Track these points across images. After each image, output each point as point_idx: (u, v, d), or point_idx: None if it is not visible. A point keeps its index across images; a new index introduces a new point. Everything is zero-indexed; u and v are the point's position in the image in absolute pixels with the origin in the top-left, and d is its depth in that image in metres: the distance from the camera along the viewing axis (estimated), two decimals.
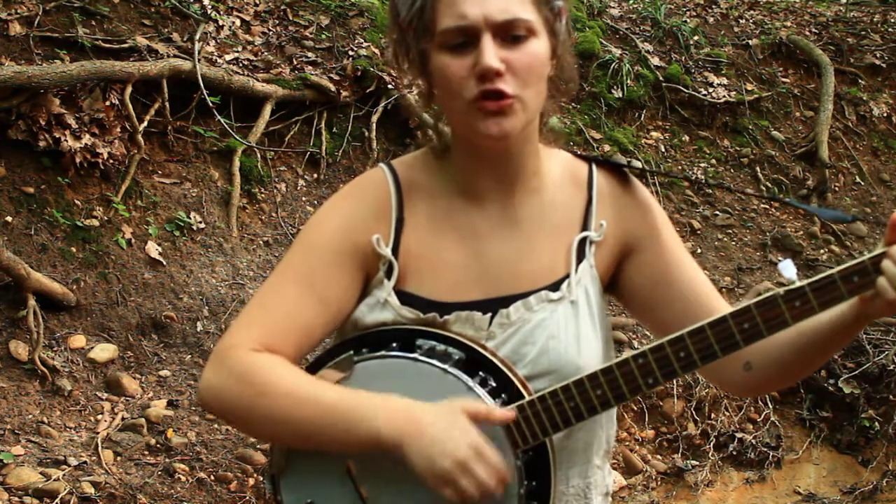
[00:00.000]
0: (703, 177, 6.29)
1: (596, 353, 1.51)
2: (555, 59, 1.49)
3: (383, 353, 1.46)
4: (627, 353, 1.39)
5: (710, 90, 6.74)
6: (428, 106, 1.55)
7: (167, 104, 4.75)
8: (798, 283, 1.33)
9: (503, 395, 1.42)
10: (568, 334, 1.48)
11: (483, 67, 1.38)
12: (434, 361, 1.42)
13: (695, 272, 1.57)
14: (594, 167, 1.60)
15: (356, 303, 1.53)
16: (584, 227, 1.55)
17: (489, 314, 1.49)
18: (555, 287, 1.50)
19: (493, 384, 1.42)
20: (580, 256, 1.53)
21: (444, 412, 1.37)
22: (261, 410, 1.42)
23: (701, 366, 1.38)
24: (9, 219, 4.19)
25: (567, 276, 1.51)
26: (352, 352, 1.47)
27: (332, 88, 5.25)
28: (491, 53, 1.39)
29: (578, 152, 1.66)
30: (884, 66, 7.45)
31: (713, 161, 6.44)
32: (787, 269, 1.36)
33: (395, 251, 1.51)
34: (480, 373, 1.43)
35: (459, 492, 1.34)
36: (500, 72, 1.39)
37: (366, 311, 1.51)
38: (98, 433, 3.70)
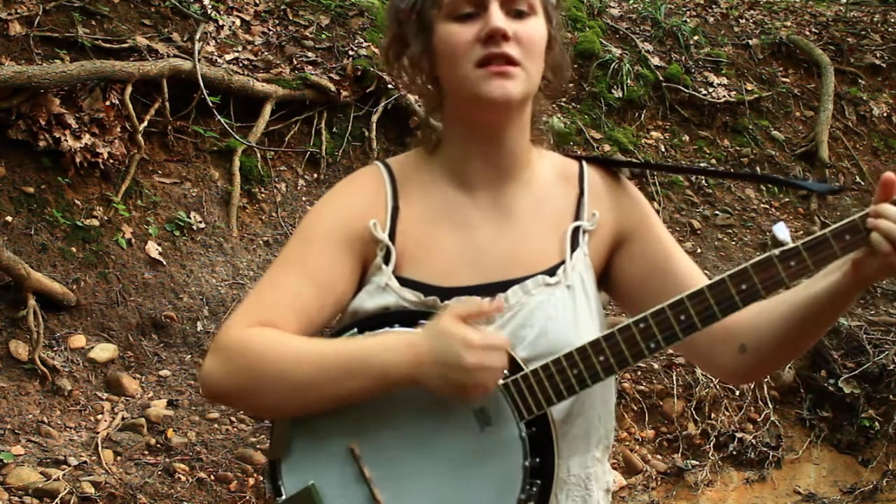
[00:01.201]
0: (701, 176, 6.29)
1: (594, 336, 1.51)
2: (550, 50, 1.53)
3: (386, 329, 1.47)
4: (628, 319, 1.41)
5: (710, 90, 6.74)
6: (425, 96, 1.58)
7: (167, 104, 4.75)
8: (792, 244, 1.36)
9: (505, 371, 1.43)
10: (566, 316, 1.50)
11: (492, 28, 1.43)
12: None
13: (687, 262, 1.60)
14: (584, 164, 1.64)
15: (355, 291, 1.54)
16: (577, 217, 1.58)
17: (488, 298, 1.50)
18: (551, 272, 1.53)
19: None
20: (574, 245, 1.55)
21: (435, 326, 1.40)
22: (263, 377, 1.43)
23: (701, 328, 1.39)
24: (9, 219, 4.19)
25: (562, 262, 1.54)
26: (355, 329, 1.48)
27: (332, 88, 5.25)
28: (500, 16, 1.44)
29: (568, 153, 1.69)
30: (884, 66, 7.45)
31: (713, 161, 6.44)
32: (781, 230, 1.40)
33: (391, 237, 1.53)
34: None
35: (482, 388, 1.38)
36: (507, 34, 1.44)
37: (366, 297, 1.52)
38: (98, 433, 3.70)
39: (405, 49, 1.55)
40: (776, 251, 1.37)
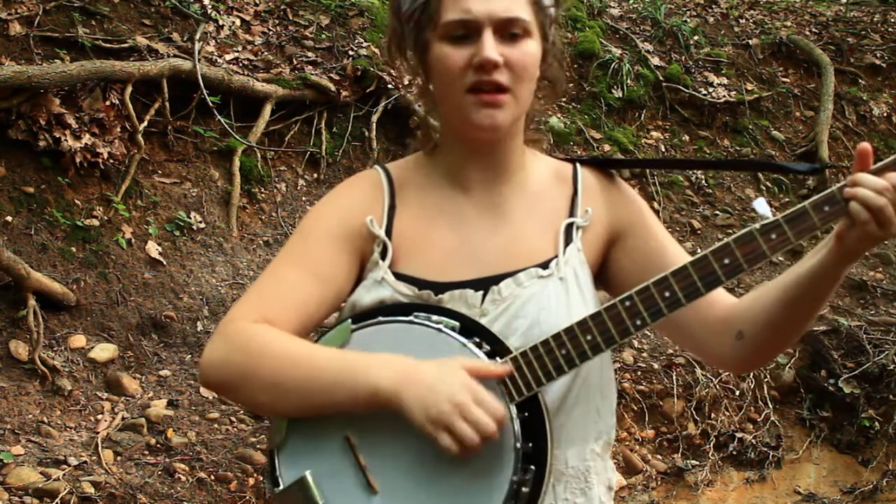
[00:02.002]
0: (701, 176, 6.29)
1: None
2: (544, 64, 1.57)
3: (380, 318, 1.49)
4: (614, 299, 1.43)
5: (710, 90, 6.75)
6: (424, 97, 1.62)
7: (167, 104, 4.75)
8: (772, 217, 1.39)
9: (497, 359, 1.44)
10: (559, 307, 1.51)
11: (483, 58, 1.46)
12: (429, 324, 1.46)
13: (683, 257, 1.61)
14: (578, 165, 1.67)
15: (353, 285, 1.58)
16: (571, 215, 1.61)
17: (481, 292, 1.53)
18: (544, 266, 1.55)
19: (488, 348, 1.45)
20: (567, 241, 1.58)
21: (440, 363, 1.40)
22: (259, 375, 1.45)
23: (686, 303, 1.41)
24: (9, 219, 4.19)
25: (555, 256, 1.56)
26: (350, 320, 1.51)
27: (332, 88, 5.25)
28: (491, 46, 1.46)
29: (563, 156, 1.71)
30: (884, 66, 7.45)
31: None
32: (761, 205, 1.43)
33: (388, 234, 1.57)
34: (475, 338, 1.46)
35: (457, 435, 1.35)
36: (498, 64, 1.46)
37: (363, 292, 1.55)
38: (98, 433, 3.70)
39: (403, 46, 1.59)
40: (757, 225, 1.40)
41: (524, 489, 1.41)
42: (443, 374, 1.38)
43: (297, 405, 1.46)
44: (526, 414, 1.42)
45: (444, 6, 1.48)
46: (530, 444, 1.42)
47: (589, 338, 1.41)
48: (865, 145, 1.39)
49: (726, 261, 1.40)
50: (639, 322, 1.41)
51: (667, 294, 1.40)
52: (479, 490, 1.41)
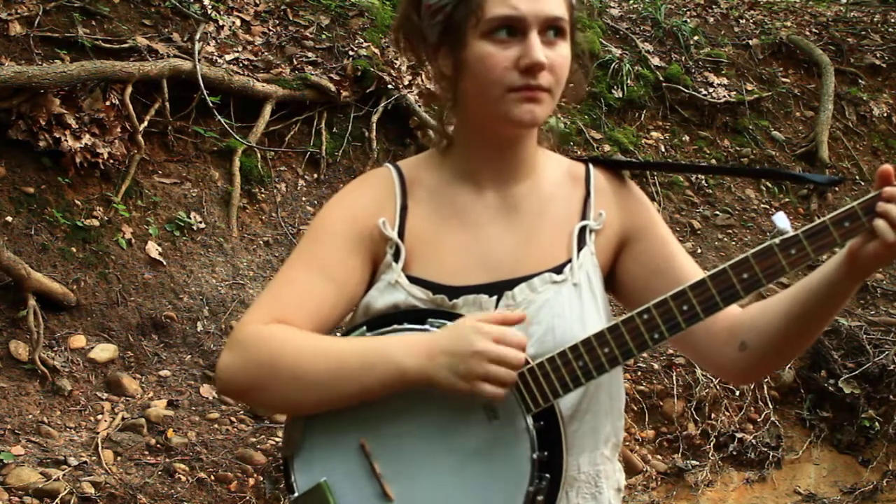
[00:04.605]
0: (702, 176, 6.29)
1: None
2: (572, 65, 1.55)
3: (395, 326, 1.48)
4: (631, 311, 1.42)
5: (711, 90, 6.74)
6: (441, 93, 1.58)
7: (167, 104, 4.75)
8: (792, 232, 1.38)
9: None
10: (573, 314, 1.50)
11: (533, 61, 1.44)
12: None
13: (690, 264, 1.61)
14: (591, 165, 1.66)
15: (366, 287, 1.56)
16: (584, 217, 1.60)
17: (495, 297, 1.52)
18: (557, 271, 1.54)
19: None
20: (580, 244, 1.57)
21: (453, 326, 1.42)
22: (281, 372, 1.44)
23: (704, 318, 1.40)
24: (9, 219, 4.19)
25: (568, 261, 1.55)
26: (364, 327, 1.50)
27: (332, 88, 5.25)
28: (539, 48, 1.45)
29: (576, 154, 1.70)
30: (884, 66, 7.45)
31: (713, 161, 6.44)
32: (781, 220, 1.42)
33: (400, 236, 1.55)
34: None
35: (492, 380, 1.36)
36: (545, 66, 1.45)
37: (376, 295, 1.54)
38: (98, 433, 3.70)
39: (418, 38, 1.55)
40: (776, 240, 1.38)
41: (539, 498, 1.41)
42: (457, 334, 1.39)
43: (321, 397, 1.45)
44: (541, 423, 1.42)
45: (489, 1, 1.45)
46: (546, 453, 1.42)
47: (606, 350, 1.40)
48: (887, 167, 1.37)
49: (745, 275, 1.38)
50: (657, 336, 1.40)
51: (685, 308, 1.39)
52: (495, 500, 1.42)
